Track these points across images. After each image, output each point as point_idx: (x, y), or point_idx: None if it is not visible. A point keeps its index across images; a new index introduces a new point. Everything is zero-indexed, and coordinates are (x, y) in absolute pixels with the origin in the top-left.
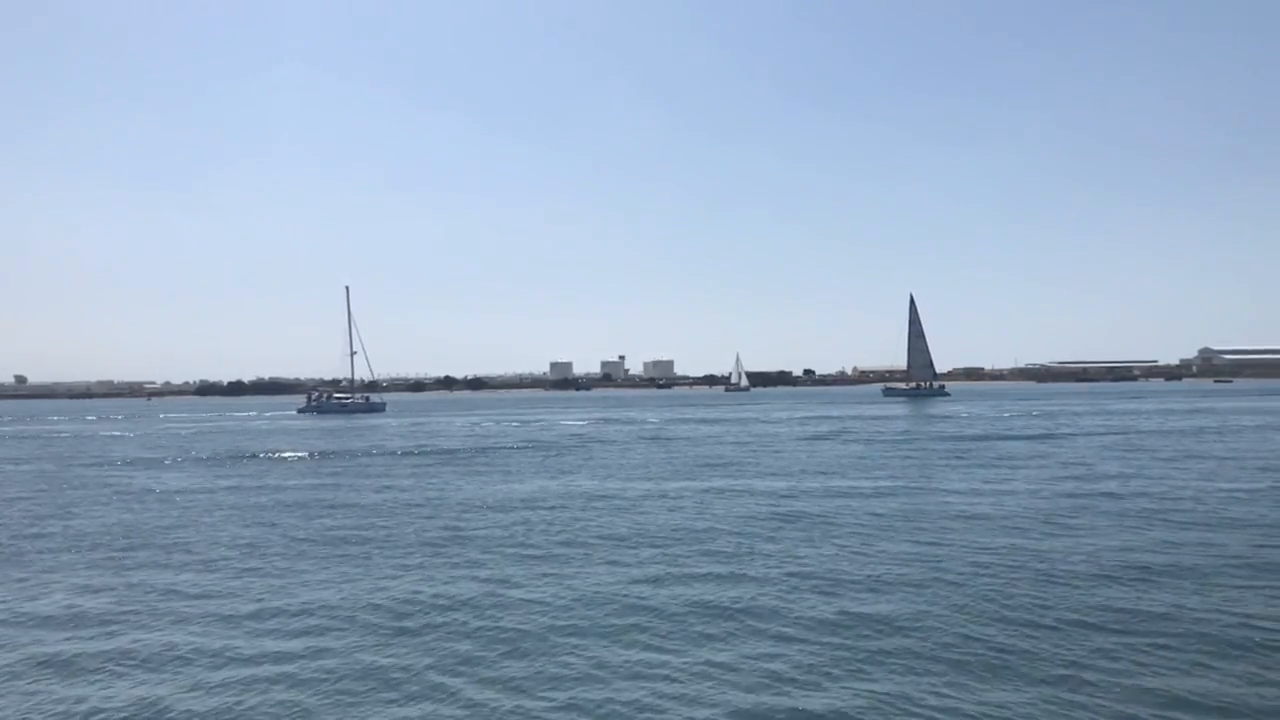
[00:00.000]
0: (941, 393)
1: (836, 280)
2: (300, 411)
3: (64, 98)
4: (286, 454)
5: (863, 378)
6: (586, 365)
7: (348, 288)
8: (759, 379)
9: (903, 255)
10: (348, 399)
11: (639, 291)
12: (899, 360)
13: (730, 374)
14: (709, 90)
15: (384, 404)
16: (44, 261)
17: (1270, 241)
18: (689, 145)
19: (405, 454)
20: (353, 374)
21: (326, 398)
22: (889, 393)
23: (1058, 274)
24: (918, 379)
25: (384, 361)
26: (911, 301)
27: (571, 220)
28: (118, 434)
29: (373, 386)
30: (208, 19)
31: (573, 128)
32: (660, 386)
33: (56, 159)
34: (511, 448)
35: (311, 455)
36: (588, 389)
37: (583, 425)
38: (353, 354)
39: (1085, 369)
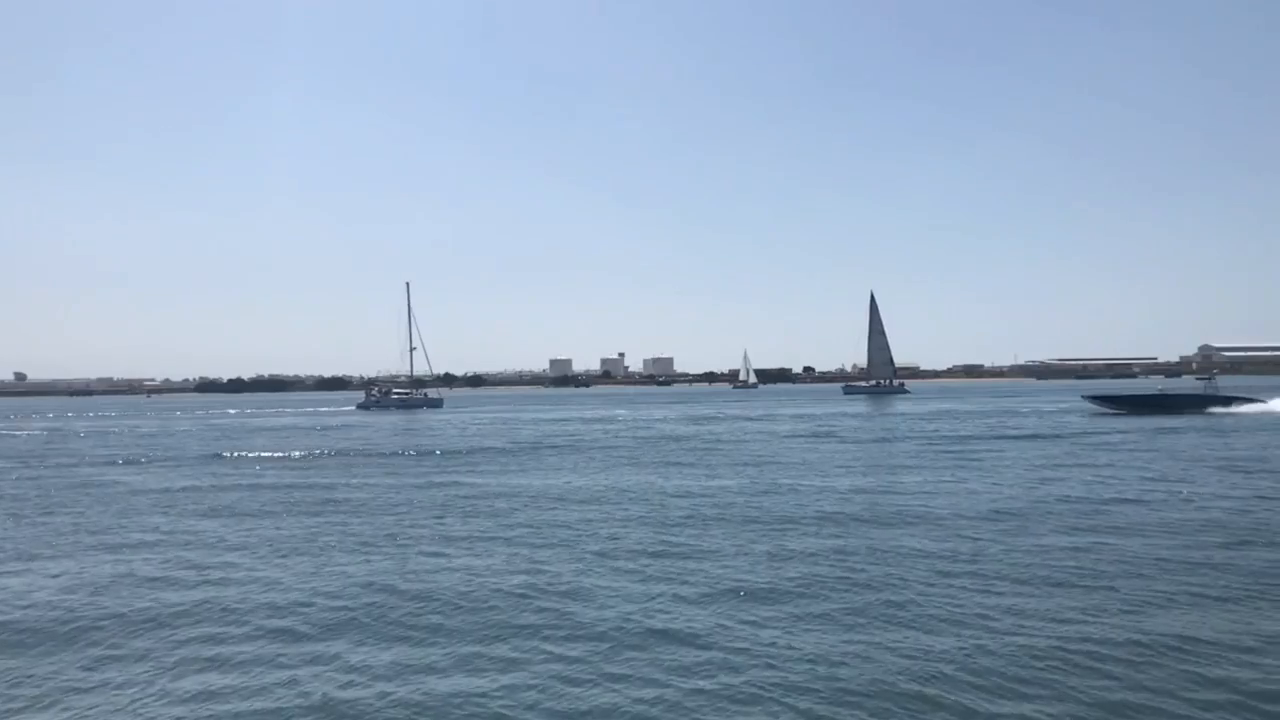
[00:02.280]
0: (901, 390)
1: (837, 277)
2: (359, 407)
3: (64, 94)
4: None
5: (863, 375)
6: (586, 362)
7: (408, 284)
8: (760, 376)
9: (902, 252)
10: (406, 395)
11: (639, 289)
12: (898, 356)
13: (739, 370)
14: (709, 87)
15: (441, 399)
16: (43, 258)
17: (1270, 238)
18: (689, 142)
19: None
20: (412, 370)
21: (385, 394)
22: (849, 390)
23: (1059, 271)
24: (878, 376)
25: (383, 359)
26: (872, 300)
27: (571, 217)
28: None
29: (372, 384)
30: (207, 15)
31: (572, 124)
32: (660, 384)
33: (56, 155)
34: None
35: (467, 452)
36: (587, 385)
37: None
38: (412, 350)
39: (1085, 366)
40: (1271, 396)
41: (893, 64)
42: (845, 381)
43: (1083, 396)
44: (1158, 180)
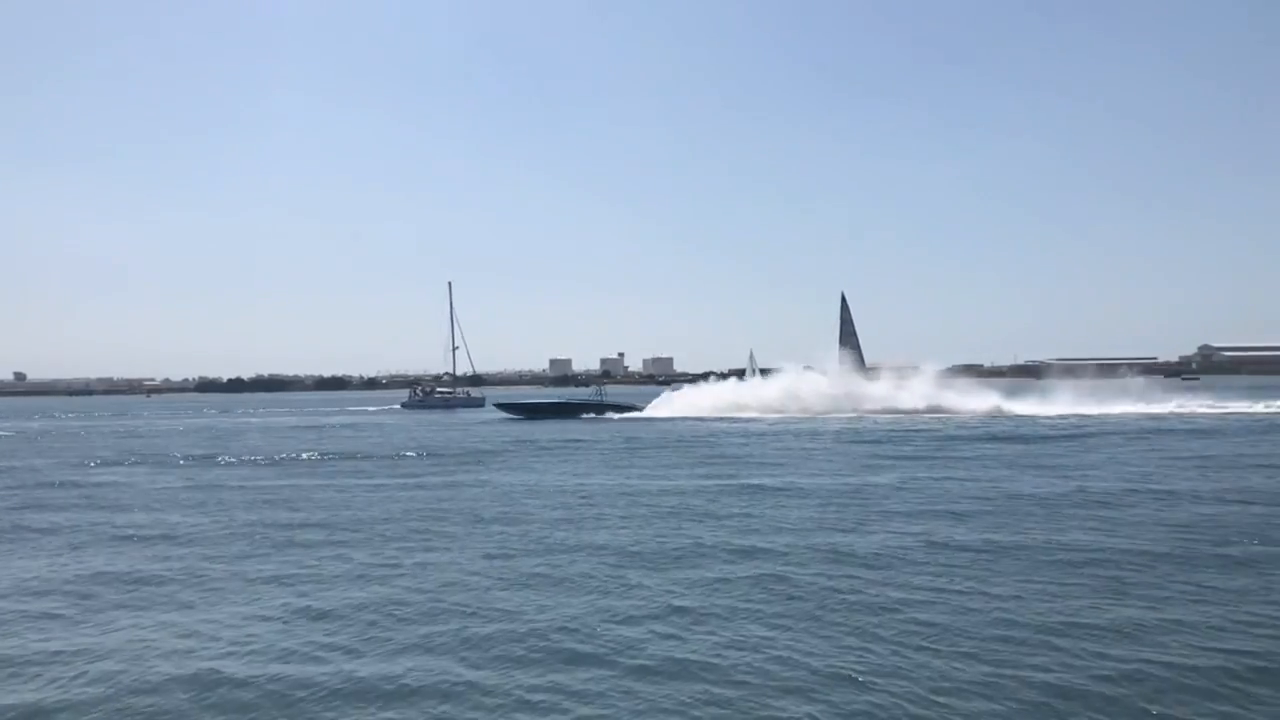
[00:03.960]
0: None
1: (837, 276)
2: (404, 406)
3: (64, 94)
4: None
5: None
6: (586, 362)
7: (450, 283)
8: (761, 375)
9: (903, 252)
10: (450, 393)
11: (638, 288)
12: (898, 355)
13: (744, 370)
14: (709, 88)
15: (483, 399)
16: (43, 258)
17: (1270, 238)
18: (690, 142)
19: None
20: (454, 369)
21: (429, 393)
22: None
23: (1059, 271)
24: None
25: (383, 358)
26: (843, 301)
27: (570, 217)
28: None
29: (373, 383)
30: (207, 15)
31: (572, 125)
32: (660, 383)
33: (57, 155)
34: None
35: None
36: (587, 385)
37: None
38: (454, 349)
39: (1084, 366)
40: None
41: (892, 68)
42: None
43: (494, 404)
44: (1158, 180)
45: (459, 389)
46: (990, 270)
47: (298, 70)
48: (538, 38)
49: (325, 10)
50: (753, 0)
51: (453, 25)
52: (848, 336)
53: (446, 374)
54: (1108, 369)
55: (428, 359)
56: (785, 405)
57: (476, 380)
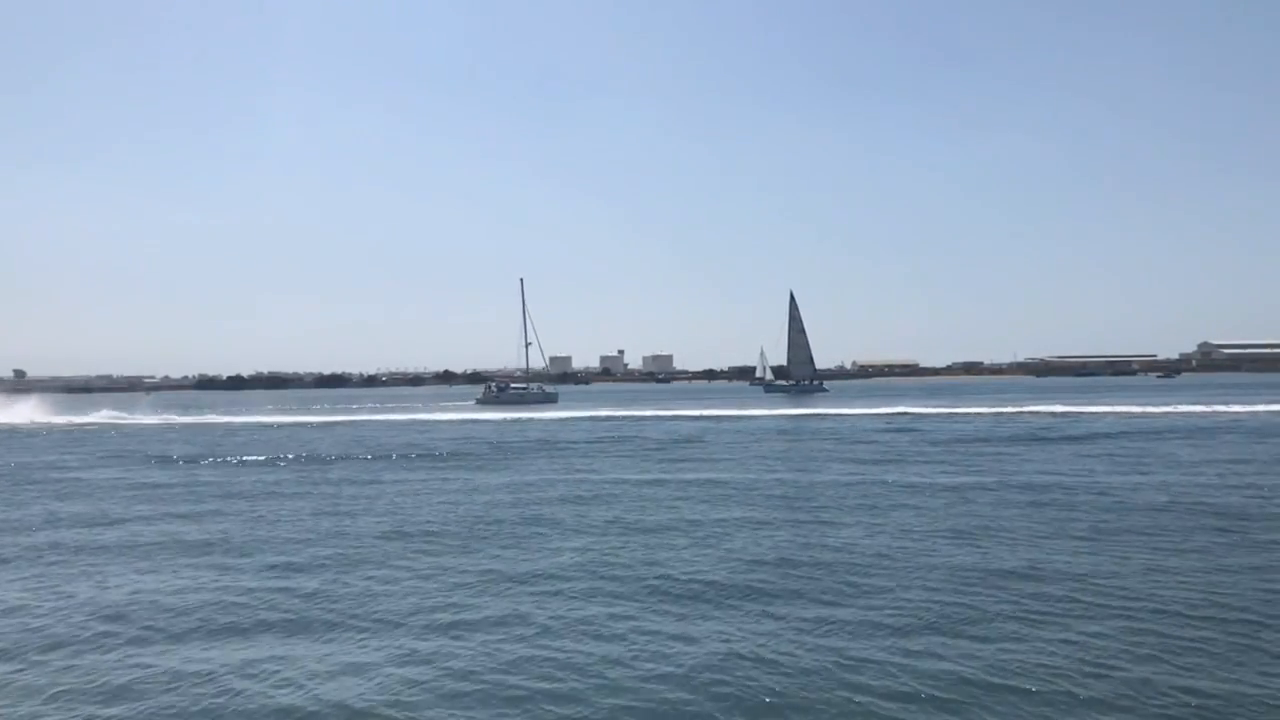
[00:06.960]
0: (820, 389)
1: (836, 274)
2: (479, 402)
3: (64, 93)
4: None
5: (862, 372)
6: (585, 360)
7: (522, 280)
8: (753, 374)
9: (902, 249)
10: (524, 389)
11: (638, 286)
12: (899, 354)
13: (756, 368)
14: (709, 86)
15: (557, 394)
16: (43, 257)
17: (1270, 237)
18: (690, 139)
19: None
20: (527, 364)
21: (503, 389)
22: (770, 389)
23: (1059, 269)
24: (797, 375)
25: (383, 356)
26: (791, 299)
27: (569, 215)
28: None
29: (372, 381)
30: (208, 15)
31: (572, 123)
32: (660, 381)
33: (57, 155)
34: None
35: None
36: (587, 383)
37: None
38: (527, 345)
39: (1084, 363)
40: None
41: (895, 66)
42: (841, 378)
43: None
44: (1158, 180)
45: (533, 384)
46: (991, 268)
47: (298, 70)
48: (538, 38)
49: (324, 9)
50: (755, 2)
51: (452, 24)
52: (796, 334)
53: (443, 370)
54: (1119, 365)
55: (423, 357)
56: None
57: (476, 377)
